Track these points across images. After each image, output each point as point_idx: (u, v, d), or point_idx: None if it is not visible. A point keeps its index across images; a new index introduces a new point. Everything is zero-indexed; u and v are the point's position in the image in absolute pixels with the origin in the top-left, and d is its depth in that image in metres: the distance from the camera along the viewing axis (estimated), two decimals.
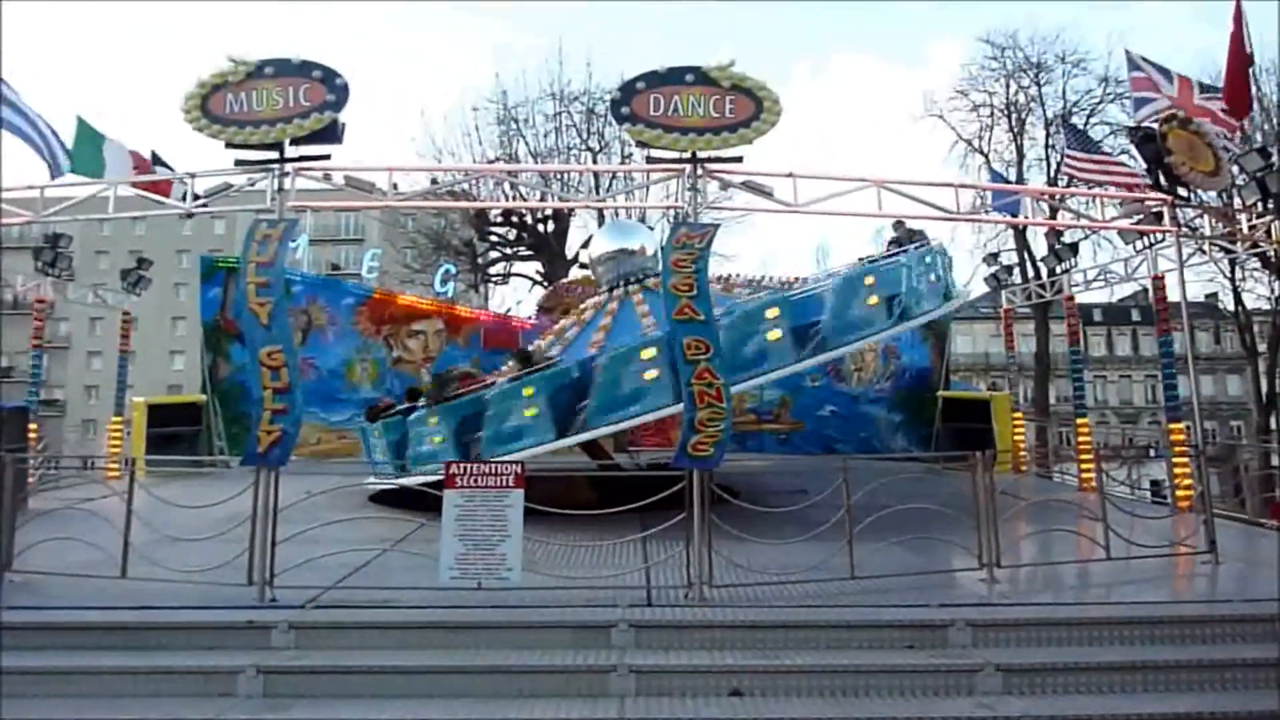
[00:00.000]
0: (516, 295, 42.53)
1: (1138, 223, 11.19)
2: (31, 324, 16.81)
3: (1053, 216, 13.30)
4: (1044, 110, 31.04)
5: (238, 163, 8.53)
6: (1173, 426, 13.23)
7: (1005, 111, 31.43)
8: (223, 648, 6.74)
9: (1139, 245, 13.16)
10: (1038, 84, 31.16)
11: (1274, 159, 11.68)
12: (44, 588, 7.79)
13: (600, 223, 29.92)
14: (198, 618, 7.04)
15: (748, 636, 6.79)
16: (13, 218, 9.85)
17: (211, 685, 6.34)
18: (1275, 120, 27.23)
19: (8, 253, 53.75)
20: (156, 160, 14.16)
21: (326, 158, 8.50)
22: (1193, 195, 10.04)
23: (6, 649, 6.37)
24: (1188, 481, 11.40)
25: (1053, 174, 28.43)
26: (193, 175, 9.14)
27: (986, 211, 15.54)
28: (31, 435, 14.81)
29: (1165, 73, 10.88)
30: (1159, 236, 11.77)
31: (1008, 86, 31.49)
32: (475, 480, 7.54)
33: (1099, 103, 29.89)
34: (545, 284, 28.13)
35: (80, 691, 6.31)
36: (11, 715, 5.86)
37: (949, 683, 6.33)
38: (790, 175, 8.83)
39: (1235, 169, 12.19)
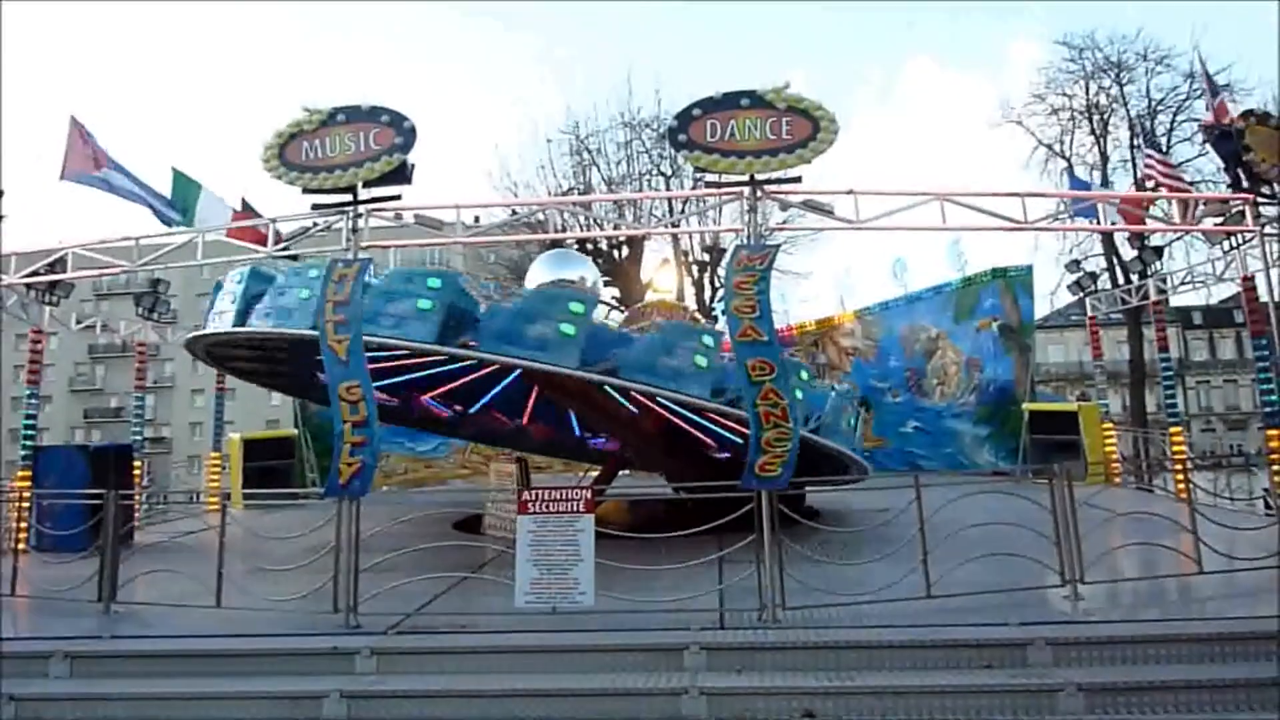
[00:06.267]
0: None
1: (1221, 224, 10.80)
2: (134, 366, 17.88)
3: (1141, 222, 12.89)
4: (1127, 110, 30.13)
5: (314, 207, 8.93)
6: (1270, 433, 12.63)
7: (1086, 114, 30.61)
8: (309, 673, 7.01)
9: (1225, 246, 12.69)
10: (1119, 84, 30.26)
11: None
12: (146, 617, 8.22)
13: (675, 248, 30.22)
14: (286, 645, 7.34)
15: (820, 658, 6.76)
16: (111, 268, 10.44)
17: (299, 709, 6.61)
18: None
19: (113, 299, 56.83)
20: (246, 207, 14.83)
21: (397, 198, 8.83)
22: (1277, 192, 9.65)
23: (110, 676, 6.77)
24: None
25: (1139, 175, 27.54)
26: (274, 220, 9.58)
27: (1071, 218, 15.16)
28: (136, 473, 15.60)
29: (1215, 91, 10.33)
30: (1248, 236, 11.34)
31: (1087, 88, 30.68)
32: (547, 506, 7.69)
33: (1185, 99, 28.79)
34: (622, 309, 28.37)
35: (176, 715, 6.66)
36: None
37: (1028, 703, 6.18)
38: (850, 192, 8.83)
39: None
